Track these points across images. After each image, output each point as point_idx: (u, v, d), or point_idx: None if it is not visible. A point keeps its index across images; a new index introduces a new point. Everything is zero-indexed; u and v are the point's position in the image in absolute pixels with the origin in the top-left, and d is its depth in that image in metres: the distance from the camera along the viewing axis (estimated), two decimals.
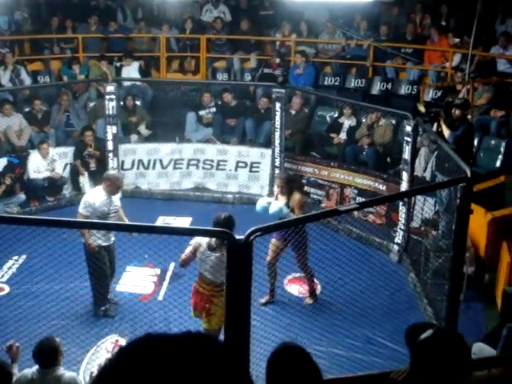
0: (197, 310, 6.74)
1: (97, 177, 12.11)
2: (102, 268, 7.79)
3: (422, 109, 10.25)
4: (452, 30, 13.85)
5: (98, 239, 7.79)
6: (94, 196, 7.95)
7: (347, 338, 7.38)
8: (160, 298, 8.41)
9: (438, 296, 7.93)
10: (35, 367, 5.22)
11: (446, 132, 9.23)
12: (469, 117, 10.15)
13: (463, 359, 2.42)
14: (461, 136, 9.19)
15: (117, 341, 7.61)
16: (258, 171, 12.22)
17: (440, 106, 10.35)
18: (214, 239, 6.48)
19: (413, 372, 2.54)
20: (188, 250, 6.69)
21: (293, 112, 12.38)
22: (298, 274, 8.88)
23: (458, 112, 9.36)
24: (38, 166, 11.56)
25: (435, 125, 9.56)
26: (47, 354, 5.17)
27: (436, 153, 9.75)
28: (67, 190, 12.02)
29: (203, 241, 6.61)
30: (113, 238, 8.02)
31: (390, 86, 13.45)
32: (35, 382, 5.11)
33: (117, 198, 8.18)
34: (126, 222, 8.04)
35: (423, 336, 2.50)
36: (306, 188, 11.94)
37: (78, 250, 7.57)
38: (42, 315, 7.29)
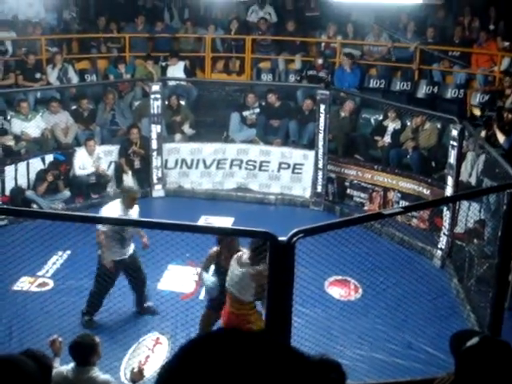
0: None
1: (141, 175, 12.24)
2: (106, 284, 7.68)
3: (477, 112, 10.13)
4: (501, 33, 13.62)
5: (112, 253, 7.70)
6: (109, 210, 7.80)
7: (388, 343, 7.32)
8: (201, 297, 8.44)
9: (481, 303, 7.82)
10: (72, 364, 5.28)
11: (501, 137, 9.07)
12: None
13: (511, 368, 2.37)
14: None
15: (158, 338, 7.67)
16: (300, 173, 12.19)
17: (492, 111, 10.20)
18: (245, 256, 6.40)
19: (457, 380, 2.50)
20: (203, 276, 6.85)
21: (342, 114, 12.32)
22: (339, 277, 8.84)
23: (510, 116, 9.20)
24: (83, 163, 11.72)
25: (485, 129, 9.42)
26: (82, 350, 5.20)
27: (483, 158, 9.61)
28: (111, 188, 12.15)
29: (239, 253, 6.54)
30: (131, 251, 7.91)
31: (436, 89, 13.28)
32: (69, 380, 5.16)
33: (134, 213, 7.97)
34: (144, 236, 7.96)
35: (469, 344, 2.46)
36: (348, 191, 11.88)
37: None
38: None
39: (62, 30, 14.85)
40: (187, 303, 8.03)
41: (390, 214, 6.09)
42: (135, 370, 5.65)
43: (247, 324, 6.34)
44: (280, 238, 4.49)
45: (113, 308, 7.56)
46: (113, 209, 7.80)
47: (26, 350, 4.51)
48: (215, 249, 6.93)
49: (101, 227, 7.58)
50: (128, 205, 7.82)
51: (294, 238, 4.46)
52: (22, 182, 11.40)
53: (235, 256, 6.49)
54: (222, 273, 6.74)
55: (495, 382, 2.36)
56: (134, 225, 7.43)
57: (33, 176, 11.48)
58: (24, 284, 8.75)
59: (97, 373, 5.24)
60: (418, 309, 7.92)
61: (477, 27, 13.90)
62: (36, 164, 11.59)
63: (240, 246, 6.72)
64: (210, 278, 6.85)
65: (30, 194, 11.27)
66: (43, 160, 11.70)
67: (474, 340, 2.48)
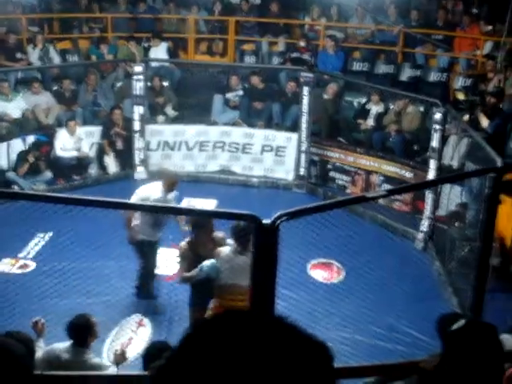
0: None
1: (123, 157, 12.17)
2: (149, 261, 7.79)
3: (461, 96, 10.15)
4: (484, 17, 13.64)
5: (141, 235, 7.65)
6: (148, 190, 7.67)
7: (371, 325, 7.36)
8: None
9: (463, 285, 7.87)
10: (67, 343, 5.27)
11: (485, 121, 9.09)
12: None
13: (496, 350, 2.39)
14: (500, 125, 9.08)
15: (141, 320, 7.65)
16: (283, 155, 12.18)
17: (475, 94, 10.23)
18: (233, 246, 6.25)
19: (444, 362, 2.52)
20: (194, 271, 6.46)
21: (325, 97, 12.29)
22: (322, 260, 8.87)
23: (492, 100, 9.23)
24: (64, 144, 11.63)
25: (468, 113, 9.45)
26: (80, 331, 5.22)
27: (465, 141, 9.65)
28: (93, 170, 12.08)
29: (223, 249, 6.34)
30: (159, 235, 7.86)
31: (419, 72, 13.30)
32: (64, 359, 5.15)
33: (172, 197, 7.85)
34: (182, 221, 7.72)
35: (455, 326, 2.48)
36: (331, 173, 11.89)
37: (105, 230, 7.60)
38: (68, 293, 7.36)
39: (43, 10, 14.67)
40: (171, 285, 8.02)
41: (374, 197, 6.10)
42: (118, 351, 5.65)
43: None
44: (264, 221, 4.48)
45: (96, 289, 7.52)
46: (153, 190, 7.68)
47: (7, 333, 4.49)
48: (185, 241, 6.75)
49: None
50: (168, 188, 7.70)
51: (278, 221, 4.45)
52: (3, 163, 11.30)
53: (226, 249, 6.29)
54: (202, 261, 6.43)
55: (481, 363, 2.37)
56: (116, 207, 7.37)
57: (13, 157, 11.37)
58: (5, 266, 8.69)
59: (91, 355, 5.25)
60: (401, 291, 7.97)
61: (460, 11, 13.91)
62: (17, 145, 11.49)
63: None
64: (205, 264, 6.59)
65: (10, 174, 11.18)
66: (24, 141, 11.60)
67: (460, 323, 2.49)
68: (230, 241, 6.39)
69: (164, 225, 7.79)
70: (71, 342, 5.25)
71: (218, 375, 0.90)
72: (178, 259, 6.81)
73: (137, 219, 7.62)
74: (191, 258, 6.55)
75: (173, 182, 7.81)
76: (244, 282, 6.22)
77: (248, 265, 6.04)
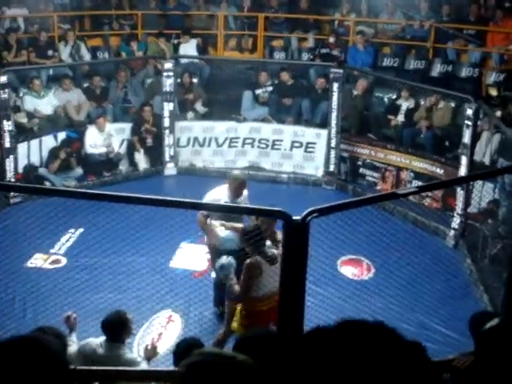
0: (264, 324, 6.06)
1: (153, 153, 12.23)
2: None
3: (493, 92, 10.02)
4: None
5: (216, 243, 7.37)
6: (216, 195, 7.38)
7: (401, 322, 7.31)
8: (213, 275, 8.45)
9: (494, 283, 7.80)
10: (101, 338, 5.32)
11: None
12: None
13: None
14: None
15: (170, 316, 7.71)
16: (313, 151, 12.15)
17: (507, 90, 10.10)
18: (275, 251, 6.15)
19: (477, 361, 2.49)
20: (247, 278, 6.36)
21: (355, 93, 12.23)
22: (352, 256, 8.83)
23: None
24: (94, 141, 11.73)
25: (501, 109, 9.32)
26: (115, 327, 5.26)
27: (497, 137, 9.53)
28: (123, 166, 12.17)
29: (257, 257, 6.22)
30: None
31: (450, 68, 13.15)
32: (99, 354, 5.20)
33: (241, 200, 7.49)
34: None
35: (489, 325, 2.45)
36: (361, 170, 11.83)
37: (135, 225, 7.63)
38: (99, 288, 7.42)
39: (73, 7, 14.78)
40: (200, 281, 8.05)
41: (405, 193, 6.06)
42: (149, 347, 5.68)
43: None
44: (294, 217, 4.47)
45: (126, 285, 7.57)
46: (220, 194, 7.40)
47: (39, 328, 4.54)
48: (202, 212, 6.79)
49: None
50: (235, 194, 7.38)
51: (309, 217, 4.43)
52: (35, 159, 11.42)
53: (258, 259, 6.21)
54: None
55: None
56: (146, 203, 7.37)
57: (45, 153, 11.50)
58: (37, 261, 8.80)
59: (125, 350, 5.29)
60: (431, 289, 7.91)
61: (493, 5, 13.73)
62: (48, 141, 11.61)
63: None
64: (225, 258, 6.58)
65: (42, 171, 11.30)
66: (56, 137, 11.72)
67: (494, 321, 2.46)
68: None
69: None
70: (106, 337, 5.30)
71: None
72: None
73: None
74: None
75: (239, 184, 7.48)
76: (276, 287, 6.19)
77: (275, 276, 5.98)
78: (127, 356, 5.24)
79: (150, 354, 5.60)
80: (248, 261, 6.23)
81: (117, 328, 5.28)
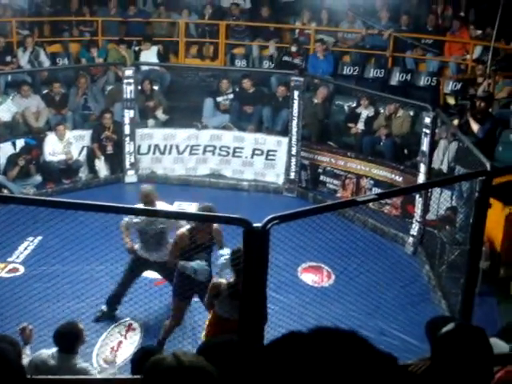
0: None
1: (114, 160, 12.15)
2: (129, 274, 7.72)
3: (451, 101, 10.17)
4: (474, 21, 13.72)
5: (138, 250, 7.69)
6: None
7: (360, 329, 7.33)
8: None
9: (452, 289, 7.90)
10: (53, 349, 5.24)
11: (475, 126, 9.10)
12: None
13: (485, 354, 2.40)
14: (490, 129, 9.11)
15: (130, 325, 7.65)
16: (274, 159, 12.18)
17: (464, 99, 10.26)
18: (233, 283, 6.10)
19: (433, 365, 2.52)
20: (186, 263, 6.65)
21: (316, 101, 12.31)
22: (312, 263, 8.87)
23: (482, 105, 9.25)
24: (53, 149, 11.60)
25: (458, 118, 9.47)
26: (67, 339, 5.19)
27: (454, 145, 9.68)
28: (83, 173, 12.06)
29: (223, 282, 6.24)
30: (158, 255, 7.59)
31: (409, 76, 13.35)
32: (51, 365, 5.13)
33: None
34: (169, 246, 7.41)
35: (445, 329, 2.48)
36: (321, 177, 11.91)
37: (95, 234, 7.56)
38: (58, 297, 7.32)
39: (32, 13, 14.64)
40: (160, 289, 8.01)
41: (364, 201, 6.11)
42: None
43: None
44: (254, 225, 4.48)
45: (85, 294, 7.50)
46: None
47: None
48: (186, 228, 6.84)
49: (126, 219, 7.52)
50: (146, 204, 7.47)
51: (269, 225, 4.44)
52: None
53: (225, 287, 6.15)
54: (197, 249, 6.69)
55: (470, 367, 2.38)
56: (106, 211, 7.33)
57: (3, 160, 11.33)
58: None
59: (78, 360, 5.22)
60: (390, 295, 7.98)
61: (450, 15, 13.99)
62: (6, 148, 11.45)
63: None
64: (197, 263, 6.70)
65: (0, 178, 11.13)
66: (14, 144, 11.56)
67: (450, 326, 2.50)
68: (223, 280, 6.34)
69: (157, 244, 7.61)
70: (57, 348, 5.22)
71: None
72: (174, 242, 6.91)
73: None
74: (187, 244, 6.76)
75: (145, 195, 7.62)
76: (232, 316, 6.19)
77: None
78: (80, 366, 5.18)
79: (109, 359, 5.56)
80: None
81: (69, 339, 5.21)
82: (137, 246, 7.72)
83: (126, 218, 7.51)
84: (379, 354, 1.03)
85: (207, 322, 6.45)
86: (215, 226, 6.86)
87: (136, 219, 7.51)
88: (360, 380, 0.97)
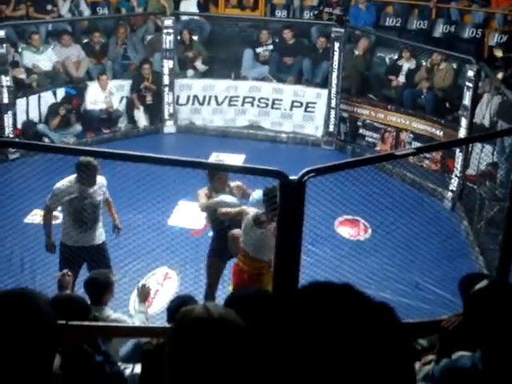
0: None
1: (153, 111, 12.19)
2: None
3: (498, 54, 9.92)
4: None
5: (70, 240, 6.80)
6: (62, 186, 6.77)
7: (396, 283, 7.37)
8: (211, 233, 8.49)
9: (490, 245, 7.83)
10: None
11: None
12: None
13: None
14: None
15: (167, 273, 7.76)
16: (313, 111, 12.10)
17: (510, 51, 10.01)
18: (256, 214, 6.21)
19: (465, 321, 2.51)
20: (234, 210, 6.56)
21: (356, 53, 12.12)
22: (349, 217, 8.86)
23: None
24: (95, 98, 11.67)
25: (504, 71, 9.23)
26: (97, 288, 5.24)
27: (497, 99, 9.48)
28: (122, 123, 12.14)
29: (251, 211, 6.35)
30: (99, 239, 6.91)
31: (453, 28, 13.00)
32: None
33: (96, 189, 6.84)
34: (116, 218, 7.23)
35: (478, 286, 2.46)
36: (361, 130, 11.80)
37: (133, 183, 7.63)
38: None
39: None
40: (197, 239, 8.09)
41: (403, 154, 6.04)
42: (139, 287, 5.71)
43: (259, 284, 5.99)
44: (291, 177, 4.47)
45: (123, 242, 7.61)
46: (66, 185, 6.77)
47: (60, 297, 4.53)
48: (205, 189, 6.83)
49: (48, 202, 6.80)
50: (86, 181, 6.72)
51: (305, 177, 4.43)
52: (34, 115, 11.38)
53: (249, 216, 6.27)
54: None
55: (503, 324, 2.37)
56: (145, 161, 7.35)
57: (44, 109, 11.45)
58: (36, 217, 8.81)
59: (108, 312, 5.29)
60: (427, 250, 7.95)
61: None
62: (47, 97, 11.55)
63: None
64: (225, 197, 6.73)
65: (41, 127, 11.27)
66: (55, 94, 11.66)
67: (484, 283, 2.48)
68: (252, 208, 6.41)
69: (94, 222, 6.85)
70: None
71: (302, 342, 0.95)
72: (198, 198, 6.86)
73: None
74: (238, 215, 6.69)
75: (88, 169, 6.65)
76: (252, 252, 6.29)
77: (267, 237, 6.04)
78: (112, 317, 5.23)
79: (143, 293, 5.64)
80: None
81: (99, 289, 5.24)
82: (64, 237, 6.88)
83: (53, 195, 6.75)
84: (375, 307, 1.02)
85: (232, 271, 6.54)
86: (232, 184, 6.80)
87: (71, 193, 6.72)
88: (354, 332, 0.96)
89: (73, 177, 6.76)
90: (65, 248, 6.81)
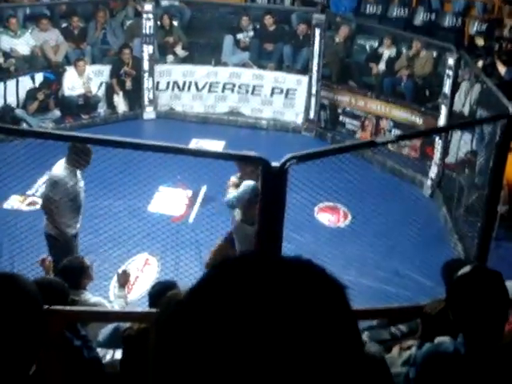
0: None
1: (132, 96, 12.11)
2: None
3: (480, 42, 9.96)
4: None
5: (72, 228, 6.68)
6: (55, 171, 6.70)
7: (376, 269, 7.41)
8: (191, 220, 8.48)
9: (469, 233, 7.89)
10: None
11: (502, 68, 8.94)
12: None
13: (501, 297, 2.40)
14: None
15: (147, 259, 7.74)
16: (293, 98, 12.09)
17: (492, 40, 10.06)
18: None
19: (448, 307, 2.53)
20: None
21: (337, 40, 12.10)
22: (329, 204, 8.88)
23: (509, 46, 9.07)
24: (73, 84, 11.56)
25: (484, 59, 9.28)
26: (72, 273, 5.19)
27: (477, 88, 9.53)
28: (102, 109, 12.04)
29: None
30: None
31: (433, 16, 13.04)
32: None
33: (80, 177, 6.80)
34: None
35: (461, 272, 2.48)
36: (341, 118, 11.81)
37: (113, 169, 7.58)
38: None
39: None
40: (177, 226, 8.08)
41: (383, 142, 6.07)
42: (120, 272, 5.70)
43: None
44: (272, 164, 4.46)
45: (103, 229, 7.57)
46: (59, 170, 6.69)
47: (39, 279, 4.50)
48: (234, 178, 6.77)
49: (50, 194, 6.61)
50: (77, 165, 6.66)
51: (287, 164, 4.43)
52: (12, 99, 11.25)
53: (238, 217, 6.28)
54: None
55: (485, 309, 2.39)
56: (124, 147, 7.29)
57: (22, 94, 11.32)
58: (14, 202, 8.76)
59: (87, 296, 5.27)
60: (407, 237, 7.99)
61: None
62: (25, 82, 11.42)
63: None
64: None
65: (19, 112, 11.15)
66: (33, 78, 11.52)
67: (466, 269, 2.50)
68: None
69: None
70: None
71: (230, 322, 0.87)
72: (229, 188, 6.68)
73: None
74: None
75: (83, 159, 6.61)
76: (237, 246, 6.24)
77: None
78: (91, 301, 5.21)
79: (123, 278, 5.63)
80: None
81: (75, 274, 5.20)
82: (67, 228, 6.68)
83: (56, 185, 6.56)
84: (327, 284, 0.95)
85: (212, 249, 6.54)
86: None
87: (71, 179, 6.58)
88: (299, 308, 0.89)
89: (63, 162, 6.62)
90: (66, 237, 6.60)
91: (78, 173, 6.71)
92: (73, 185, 6.58)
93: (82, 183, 6.79)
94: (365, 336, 3.96)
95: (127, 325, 3.65)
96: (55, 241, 6.56)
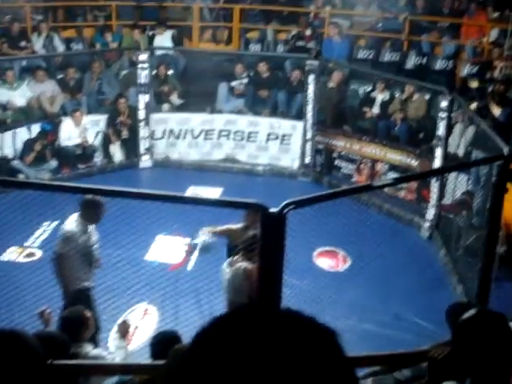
0: None
1: (128, 145, 12.18)
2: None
3: (474, 84, 10.07)
4: (491, 3, 13.55)
5: (85, 281, 6.65)
6: (67, 225, 6.63)
7: (376, 314, 7.36)
8: (189, 268, 8.44)
9: (469, 274, 7.86)
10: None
11: (497, 110, 9.03)
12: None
13: (507, 339, 2.38)
14: (511, 113, 9.04)
15: (146, 309, 7.68)
16: (289, 144, 12.16)
17: (484, 82, 10.18)
18: (236, 258, 6.10)
19: (454, 351, 2.51)
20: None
21: (330, 85, 12.23)
22: (327, 248, 8.87)
23: (501, 88, 9.18)
24: (70, 134, 11.63)
25: (477, 101, 9.39)
26: (72, 325, 5.11)
27: (471, 129, 9.61)
28: (98, 158, 12.09)
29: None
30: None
31: (424, 60, 13.22)
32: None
33: (93, 228, 6.81)
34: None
35: (466, 316, 2.47)
36: (336, 162, 11.87)
37: (110, 218, 7.58)
38: None
39: None
40: (176, 274, 8.03)
41: (380, 185, 6.09)
42: (120, 323, 5.64)
43: None
44: (271, 210, 4.47)
45: (102, 279, 7.52)
46: (70, 223, 6.64)
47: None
48: (238, 226, 6.72)
49: (62, 250, 6.53)
50: (91, 219, 6.70)
51: (286, 209, 4.44)
52: (8, 151, 11.29)
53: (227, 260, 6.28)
54: (232, 249, 6.57)
55: (492, 353, 2.37)
56: (122, 196, 7.28)
57: (19, 146, 11.37)
58: (12, 254, 8.72)
59: (88, 348, 5.19)
60: (406, 280, 7.97)
61: None
62: (22, 133, 11.48)
63: None
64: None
65: (16, 163, 11.19)
66: (29, 129, 11.59)
67: (471, 312, 2.49)
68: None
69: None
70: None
71: (231, 372, 0.92)
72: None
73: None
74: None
75: (97, 211, 6.66)
76: (232, 296, 6.12)
77: (238, 276, 5.98)
78: (91, 354, 5.13)
79: (123, 329, 5.57)
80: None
81: (75, 326, 5.12)
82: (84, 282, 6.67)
83: (66, 240, 6.50)
84: (318, 332, 1.00)
85: None
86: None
87: (82, 234, 6.56)
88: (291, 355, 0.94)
89: (75, 216, 6.62)
90: (78, 293, 6.49)
91: (91, 227, 6.68)
92: (85, 240, 6.56)
93: (95, 237, 6.76)
94: (369, 382, 3.92)
95: (130, 376, 3.61)
96: (79, 293, 6.49)
